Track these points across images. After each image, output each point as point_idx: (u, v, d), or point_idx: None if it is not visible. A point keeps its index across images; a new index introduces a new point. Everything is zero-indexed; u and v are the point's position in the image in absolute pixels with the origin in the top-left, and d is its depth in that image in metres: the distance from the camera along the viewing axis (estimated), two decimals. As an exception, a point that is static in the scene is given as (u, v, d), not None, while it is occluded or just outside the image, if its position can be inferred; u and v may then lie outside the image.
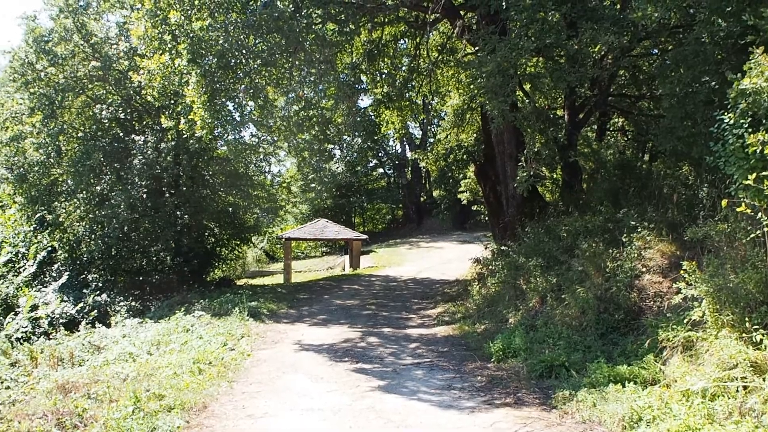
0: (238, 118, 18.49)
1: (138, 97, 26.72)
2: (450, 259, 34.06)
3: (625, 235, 13.04)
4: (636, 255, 12.33)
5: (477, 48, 16.97)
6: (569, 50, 14.91)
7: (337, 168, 51.81)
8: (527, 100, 20.76)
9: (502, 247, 18.77)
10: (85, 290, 23.84)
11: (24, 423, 8.27)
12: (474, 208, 43.03)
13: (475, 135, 27.52)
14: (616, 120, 25.57)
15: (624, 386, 8.60)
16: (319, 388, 10.66)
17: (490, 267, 19.61)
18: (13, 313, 19.89)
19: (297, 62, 18.27)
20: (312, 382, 11.11)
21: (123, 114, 27.52)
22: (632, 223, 13.10)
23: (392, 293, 24.35)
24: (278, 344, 14.99)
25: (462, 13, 19.78)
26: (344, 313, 20.00)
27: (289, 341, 15.31)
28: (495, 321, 15.42)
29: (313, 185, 50.26)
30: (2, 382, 11.71)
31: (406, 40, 25.41)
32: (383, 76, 24.62)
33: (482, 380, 10.78)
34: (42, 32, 26.16)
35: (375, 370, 12.11)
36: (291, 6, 16.63)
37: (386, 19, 21.88)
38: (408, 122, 37.48)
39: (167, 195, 26.08)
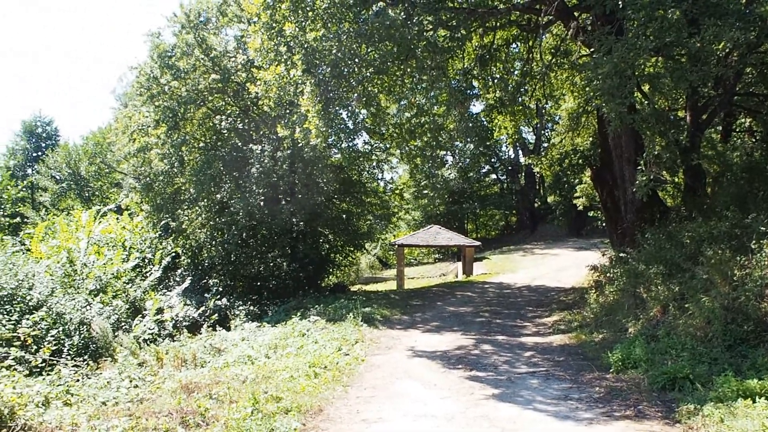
0: (351, 126, 18.73)
1: (255, 108, 27.54)
2: (565, 266, 33.26)
3: (754, 241, 12.30)
4: (767, 263, 11.58)
5: (592, 49, 16.52)
6: (691, 48, 14.23)
7: (449, 174, 51.67)
8: (646, 102, 19.96)
9: (621, 254, 18.14)
10: (206, 294, 24.75)
11: (151, 420, 8.61)
12: (590, 213, 41.95)
13: (591, 138, 26.81)
14: (743, 120, 24.20)
15: (755, 402, 8.10)
16: (433, 395, 10.59)
17: (607, 274, 18.98)
18: (141, 315, 20.81)
19: (408, 69, 18.35)
20: (425, 389, 11.05)
21: (241, 124, 28.46)
22: (762, 228, 12.34)
23: (506, 300, 23.99)
24: (392, 350, 15.03)
25: (576, 14, 19.30)
26: (457, 320, 19.85)
27: (403, 347, 15.33)
28: (613, 330, 14.90)
29: (425, 192, 50.28)
30: (131, 381, 12.22)
31: (518, 43, 25.04)
32: (495, 80, 24.34)
33: (600, 391, 10.42)
34: (165, 48, 27.48)
35: (489, 378, 11.93)
36: (402, 14, 16.71)
37: (498, 24, 21.61)
38: (521, 127, 36.93)
39: (283, 202, 26.71)
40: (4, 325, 13.45)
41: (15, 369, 10.15)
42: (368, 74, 16.96)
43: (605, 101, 14.51)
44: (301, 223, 26.85)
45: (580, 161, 29.74)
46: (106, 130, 52.15)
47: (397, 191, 35.00)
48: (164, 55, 27.14)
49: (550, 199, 53.99)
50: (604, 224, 30.98)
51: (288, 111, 23.03)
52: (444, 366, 13.11)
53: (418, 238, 35.21)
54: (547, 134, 49.95)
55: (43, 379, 11.27)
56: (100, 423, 8.45)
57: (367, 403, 10.13)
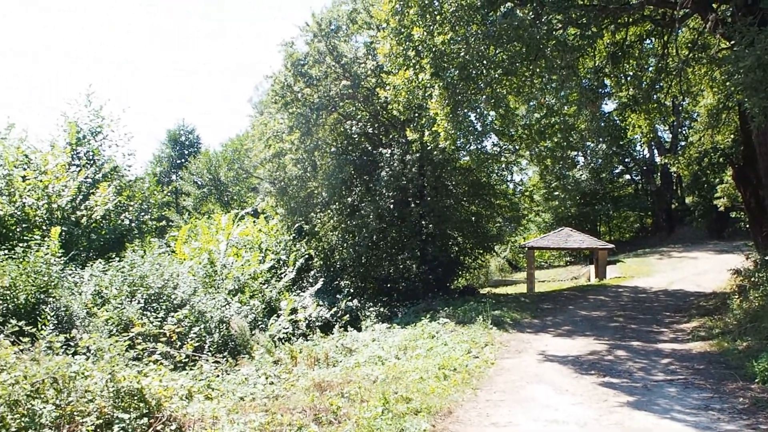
0: (479, 128, 18.61)
1: (384, 112, 27.91)
2: (705, 270, 31.56)
3: None
4: None
5: (733, 42, 15.58)
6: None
7: (580, 175, 50.29)
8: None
9: (767, 257, 17.00)
10: (338, 295, 25.31)
11: (286, 416, 8.87)
12: (732, 214, 39.62)
13: (732, 136, 25.38)
14: None
15: None
16: (564, 401, 10.32)
17: (752, 279, 17.84)
18: (276, 315, 21.57)
19: (537, 69, 18.00)
20: (556, 394, 10.78)
21: (371, 129, 28.96)
22: None
23: (641, 305, 23.04)
24: (522, 354, 14.78)
25: (714, 5, 18.28)
26: (590, 324, 19.27)
27: (533, 351, 15.04)
28: (759, 338, 13.95)
29: (556, 193, 49.23)
30: (267, 378, 12.65)
31: (652, 39, 23.99)
32: (628, 78, 23.45)
33: (745, 402, 9.78)
34: (298, 56, 28.36)
35: (623, 384, 11.48)
36: (531, 14, 16.44)
37: (630, 19, 20.83)
38: (656, 125, 35.42)
39: (413, 205, 26.92)
40: (152, 322, 14.27)
41: (161, 363, 10.73)
42: (496, 76, 16.79)
43: (748, 96, 13.67)
44: (431, 225, 26.95)
45: (721, 160, 28.22)
46: (244, 137, 54.48)
47: (527, 193, 34.44)
48: (297, 64, 28.03)
49: (688, 199, 51.44)
50: (747, 226, 29.17)
51: (417, 114, 23.18)
52: (576, 371, 12.74)
53: (548, 241, 34.46)
54: (684, 132, 47.64)
55: (187, 373, 11.88)
56: (238, 417, 8.79)
57: (496, 407, 10.01)
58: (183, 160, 64.36)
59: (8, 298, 14.61)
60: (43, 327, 10.75)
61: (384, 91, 21.85)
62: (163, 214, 49.89)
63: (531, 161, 29.09)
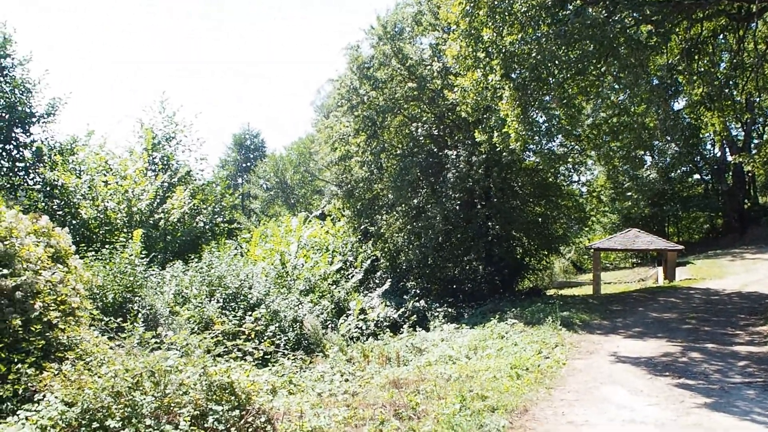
0: (548, 129, 18.64)
1: (450, 114, 28.06)
2: (782, 272, 30.73)
3: None
4: None
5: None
6: None
7: (649, 175, 49.36)
8: None
9: None
10: (404, 296, 25.60)
11: (367, 411, 9.20)
12: (810, 215, 38.45)
13: (811, 133, 24.64)
14: None
15: None
16: (639, 401, 10.35)
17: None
18: (345, 315, 22.00)
19: (608, 68, 17.92)
20: (631, 395, 10.81)
21: (436, 130, 29.15)
22: None
23: (714, 307, 22.61)
24: (593, 355, 14.78)
25: (794, -1, 17.88)
26: (661, 326, 19.05)
27: (604, 352, 15.02)
28: (841, 341, 13.69)
29: (629, 194, 48.36)
30: (342, 375, 13.01)
31: (727, 34, 23.53)
32: (701, 75, 23.04)
33: (828, 405, 9.68)
34: (363, 60, 28.76)
35: (699, 386, 11.42)
36: (603, 12, 16.38)
37: (705, 15, 20.49)
38: (729, 123, 34.60)
39: (479, 206, 27.02)
40: (231, 320, 14.81)
41: (244, 360, 11.18)
42: (567, 75, 16.79)
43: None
44: (497, 226, 27.00)
45: (799, 158, 27.34)
46: (307, 140, 55.34)
47: (594, 194, 34.10)
48: (362, 67, 28.42)
49: (762, 200, 49.98)
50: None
51: (485, 116, 23.28)
52: (649, 372, 12.70)
53: (615, 242, 34.00)
54: (758, 129, 46.29)
55: (269, 369, 12.34)
56: (322, 411, 9.16)
57: (571, 406, 10.11)
58: (249, 164, 65.67)
59: (98, 297, 15.37)
60: (134, 324, 11.32)
61: (451, 92, 22.01)
62: (233, 216, 51.26)
63: (598, 161, 28.83)
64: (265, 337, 15.44)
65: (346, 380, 12.65)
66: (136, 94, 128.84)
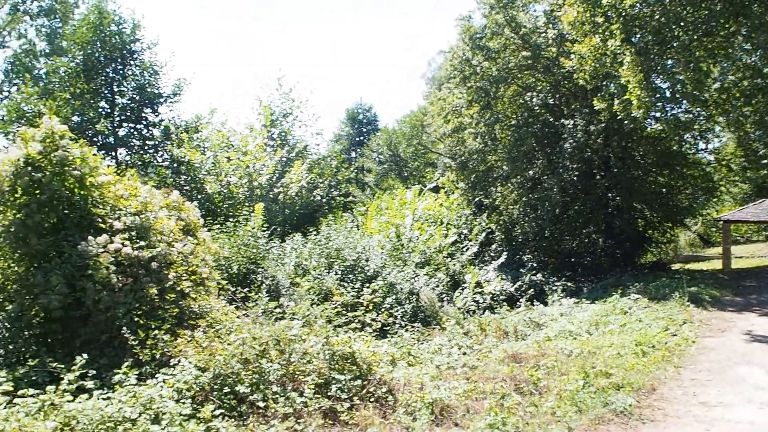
0: (671, 95, 17.79)
1: (566, 82, 27.24)
2: None
3: None
4: None
5: None
6: None
7: (780, 141, 46.25)
8: None
9: None
10: (521, 269, 25.26)
11: (487, 385, 9.15)
12: None
13: None
14: None
15: None
16: (779, 383, 9.79)
17: None
18: (460, 288, 21.95)
19: (739, 28, 16.84)
20: (770, 376, 10.25)
21: (552, 99, 28.40)
22: None
23: None
24: (725, 333, 14.11)
25: None
26: (803, 303, 17.94)
27: (738, 330, 14.31)
28: None
29: (759, 162, 45.44)
30: (459, 348, 12.99)
31: None
32: None
33: None
34: (476, 30, 28.28)
35: None
36: (734, -32, 15.42)
37: None
38: None
39: (597, 177, 26.20)
40: (349, 292, 15.08)
41: (363, 331, 11.36)
42: (694, 37, 15.91)
43: None
44: (617, 198, 26.12)
45: None
46: (420, 113, 55.24)
47: (723, 162, 32.28)
48: (475, 37, 27.96)
49: None
50: None
51: (603, 83, 22.47)
52: (790, 353, 12.00)
53: (747, 214, 32.14)
54: None
55: (388, 341, 12.49)
56: (442, 383, 9.18)
57: (703, 387, 9.70)
58: (362, 138, 66.33)
59: (224, 268, 16.02)
60: (259, 294, 11.72)
61: (568, 60, 21.35)
62: (348, 190, 52.12)
63: (727, 127, 27.23)
64: (383, 309, 15.63)
65: (464, 353, 12.62)
66: (255, 71, 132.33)
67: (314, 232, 21.13)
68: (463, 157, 29.81)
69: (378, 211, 30.35)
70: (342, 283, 17.00)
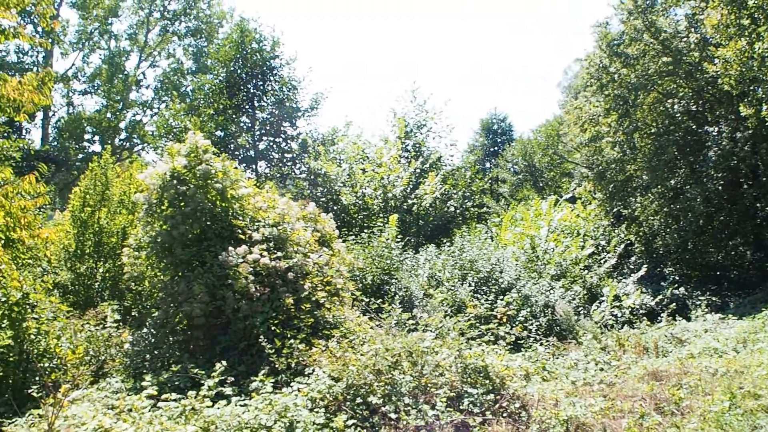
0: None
1: (710, 88, 26.05)
2: None
3: None
4: None
5: None
6: None
7: None
8: None
9: None
10: (662, 283, 24.32)
11: (625, 403, 9.00)
12: None
13: None
14: None
15: None
16: None
17: None
18: (597, 301, 21.45)
19: None
20: None
21: (694, 106, 27.23)
22: None
23: None
24: None
25: None
26: None
27: None
28: None
29: None
30: (596, 364, 12.76)
31: None
32: None
33: None
34: (613, 37, 27.61)
35: None
36: None
37: None
38: None
39: (745, 186, 24.85)
40: (483, 304, 15.16)
41: (496, 344, 11.42)
42: None
43: None
44: (767, 208, 24.69)
45: None
46: (555, 122, 54.30)
47: None
48: (612, 44, 27.30)
49: None
50: None
51: (750, 88, 21.37)
52: None
53: None
54: None
55: (522, 355, 12.49)
56: (577, 400, 9.11)
57: None
58: (496, 148, 65.95)
59: (358, 278, 16.52)
60: (392, 305, 12.04)
61: (711, 65, 20.49)
62: (482, 201, 52.03)
63: None
64: (517, 322, 15.59)
65: (601, 369, 12.40)
66: (389, 82, 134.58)
67: (448, 243, 21.31)
68: (600, 167, 29.09)
69: (512, 222, 30.14)
70: (475, 295, 17.08)
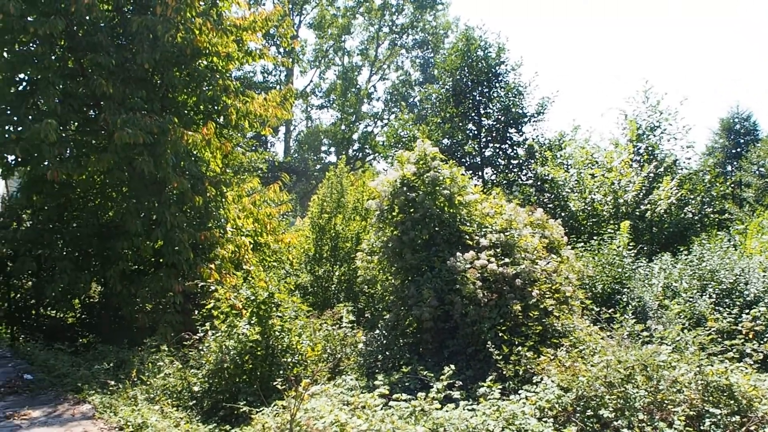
0: None
1: None
2: None
3: None
4: None
5: None
6: None
7: None
8: None
9: None
10: None
11: None
12: None
13: None
14: None
15: None
16: None
17: None
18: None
19: None
20: None
21: None
22: None
23: None
24: None
25: None
26: None
27: None
28: None
29: None
30: None
31: None
32: None
33: None
34: None
35: None
36: None
37: None
38: None
39: None
40: (725, 318, 13.98)
41: (740, 362, 10.47)
42: None
43: None
44: None
45: None
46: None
47: None
48: None
49: None
50: None
51: None
52: None
53: None
54: None
55: (770, 373, 11.33)
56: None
57: None
58: (739, 150, 60.83)
59: (588, 287, 15.98)
60: (624, 316, 11.48)
61: None
62: (723, 207, 48.17)
63: None
64: (766, 339, 14.20)
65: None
66: (619, 82, 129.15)
67: (685, 252, 19.99)
68: None
69: (759, 230, 27.53)
70: (717, 308, 15.80)
